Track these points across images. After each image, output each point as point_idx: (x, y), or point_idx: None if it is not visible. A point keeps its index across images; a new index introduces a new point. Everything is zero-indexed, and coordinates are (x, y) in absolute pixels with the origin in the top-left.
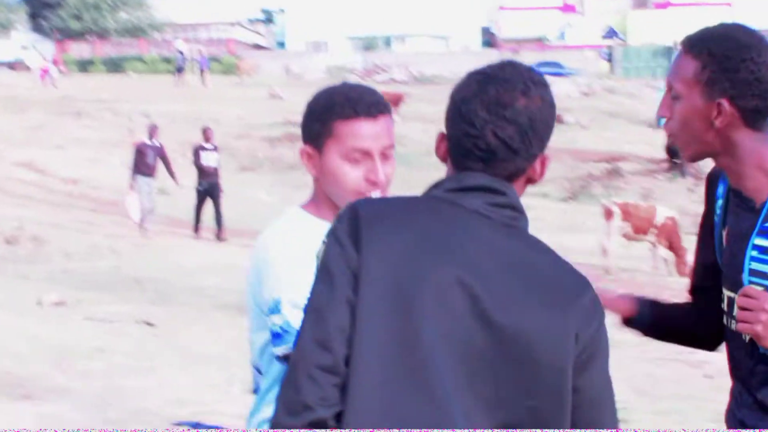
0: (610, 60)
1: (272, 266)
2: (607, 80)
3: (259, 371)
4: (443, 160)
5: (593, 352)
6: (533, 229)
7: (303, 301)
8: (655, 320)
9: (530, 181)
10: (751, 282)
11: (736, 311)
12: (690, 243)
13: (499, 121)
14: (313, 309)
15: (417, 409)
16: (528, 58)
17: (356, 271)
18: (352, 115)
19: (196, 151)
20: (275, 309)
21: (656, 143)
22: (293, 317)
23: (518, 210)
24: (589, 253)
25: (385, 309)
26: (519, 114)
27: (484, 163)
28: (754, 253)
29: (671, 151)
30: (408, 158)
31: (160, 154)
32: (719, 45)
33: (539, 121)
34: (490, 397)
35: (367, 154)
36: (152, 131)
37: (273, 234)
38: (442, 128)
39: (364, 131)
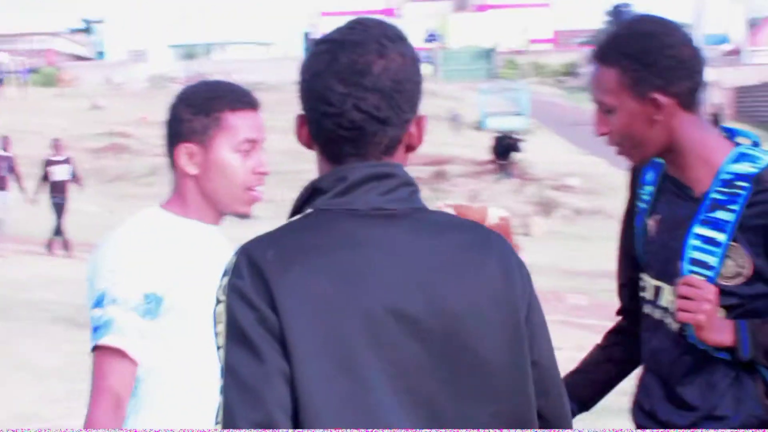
0: (431, 63)
1: (109, 259)
2: (429, 83)
3: None
4: (307, 146)
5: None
6: None
7: (131, 299)
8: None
9: (410, 148)
10: (691, 272)
11: (667, 300)
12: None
13: (359, 92)
14: (242, 387)
15: None
16: None
17: (279, 335)
18: (241, 106)
19: (47, 164)
20: (99, 302)
21: (480, 145)
22: (110, 315)
23: (411, 183)
24: None
25: (328, 377)
26: (379, 79)
27: (355, 143)
28: (696, 242)
29: (497, 153)
30: None
31: (11, 166)
32: (630, 45)
33: (405, 81)
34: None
35: (254, 145)
36: (5, 143)
37: (121, 229)
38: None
39: (252, 122)
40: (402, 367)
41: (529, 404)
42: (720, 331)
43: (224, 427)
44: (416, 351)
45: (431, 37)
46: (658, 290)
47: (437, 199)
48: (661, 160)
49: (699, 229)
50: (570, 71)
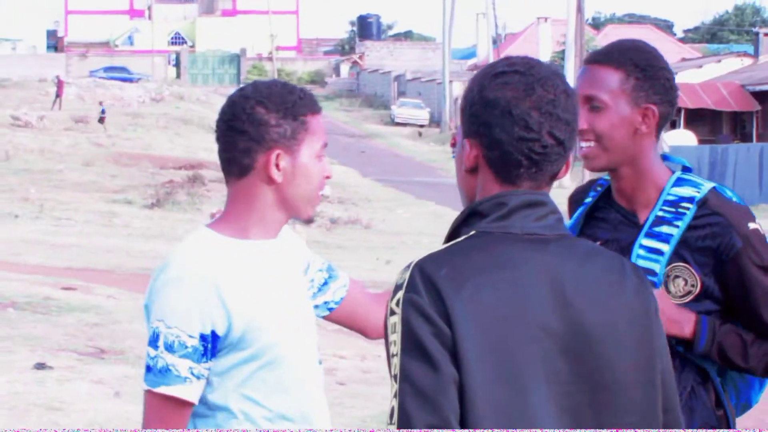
0: (177, 66)
1: (164, 296)
2: (176, 86)
3: None
4: (470, 168)
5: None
6: (121, 237)
7: (187, 344)
8: None
9: (556, 177)
10: None
11: None
12: None
13: (553, 121)
14: (419, 392)
15: None
16: (96, 62)
17: (452, 346)
18: (318, 109)
19: None
20: (153, 341)
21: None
22: (162, 360)
23: (557, 211)
24: None
25: (492, 382)
26: (565, 110)
27: (537, 167)
28: (641, 252)
29: None
30: None
31: None
32: (639, 56)
33: (576, 115)
34: None
35: (325, 148)
36: None
37: (177, 260)
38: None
39: (323, 125)
40: (553, 378)
41: (657, 420)
42: (681, 323)
43: (400, 429)
44: (563, 365)
45: (178, 39)
46: None
47: (194, 204)
48: (606, 180)
49: (644, 241)
50: (315, 79)
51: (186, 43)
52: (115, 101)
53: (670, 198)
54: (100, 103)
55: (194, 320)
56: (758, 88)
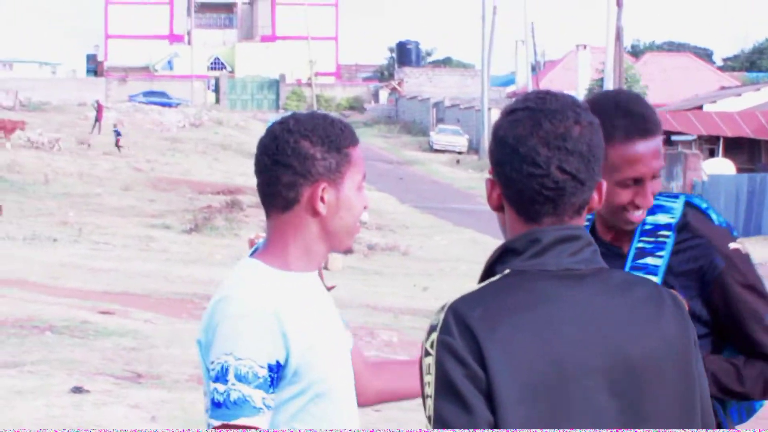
0: (216, 91)
1: (229, 329)
2: (215, 111)
3: None
4: (496, 208)
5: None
6: (159, 262)
7: (258, 374)
8: None
9: (589, 209)
10: None
11: None
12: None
13: (562, 155)
14: None
15: None
16: (135, 86)
17: (486, 389)
18: (357, 141)
19: None
20: (222, 377)
21: None
22: (236, 392)
23: (592, 244)
24: None
25: (529, 424)
26: (578, 143)
27: (554, 203)
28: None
29: None
30: (23, 186)
31: None
32: (655, 113)
33: (596, 147)
34: None
35: (364, 179)
36: None
37: (234, 292)
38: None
39: (362, 156)
40: (595, 415)
41: None
42: None
43: None
44: (605, 400)
45: (217, 65)
46: None
47: (232, 229)
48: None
49: (635, 263)
50: (354, 105)
51: (225, 68)
52: (154, 126)
53: (647, 227)
54: (114, 126)
55: (262, 351)
56: None
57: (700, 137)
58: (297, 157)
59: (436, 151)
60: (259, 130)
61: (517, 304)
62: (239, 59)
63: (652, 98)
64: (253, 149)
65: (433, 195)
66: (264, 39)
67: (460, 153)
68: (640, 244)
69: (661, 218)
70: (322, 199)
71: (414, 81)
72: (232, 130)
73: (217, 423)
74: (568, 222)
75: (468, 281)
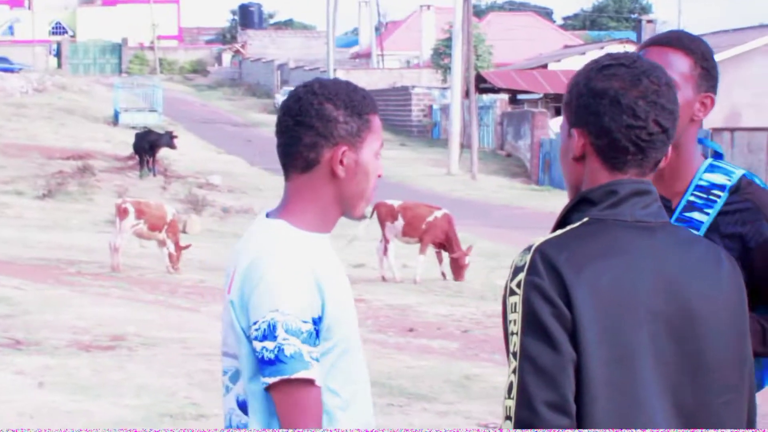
0: (58, 56)
1: (272, 287)
2: (57, 76)
3: (243, 410)
4: (577, 156)
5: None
6: (16, 228)
7: (305, 328)
8: None
9: (658, 165)
10: None
11: None
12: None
13: (657, 110)
14: (539, 370)
15: None
16: None
17: (571, 328)
18: (377, 109)
19: None
20: (269, 334)
21: (116, 140)
22: (290, 346)
23: (659, 200)
24: (87, 251)
25: (607, 363)
26: (669, 101)
27: (643, 154)
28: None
29: (137, 149)
30: None
31: None
32: (704, 46)
33: (677, 106)
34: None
35: (381, 147)
36: None
37: (267, 251)
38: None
39: (380, 125)
40: (660, 359)
41: (747, 398)
42: None
43: (519, 404)
44: (669, 346)
45: (59, 29)
46: None
47: (85, 194)
48: None
49: (681, 217)
50: (197, 68)
51: (67, 32)
52: None
53: (702, 183)
54: None
55: (306, 305)
56: None
57: (546, 96)
58: (320, 119)
59: None
60: (103, 95)
61: (598, 250)
62: (81, 23)
63: (497, 58)
64: (98, 114)
65: None
66: (105, 3)
67: None
68: (692, 198)
69: (718, 178)
70: (341, 161)
71: (257, 43)
72: (76, 95)
73: (275, 379)
74: (647, 176)
75: None
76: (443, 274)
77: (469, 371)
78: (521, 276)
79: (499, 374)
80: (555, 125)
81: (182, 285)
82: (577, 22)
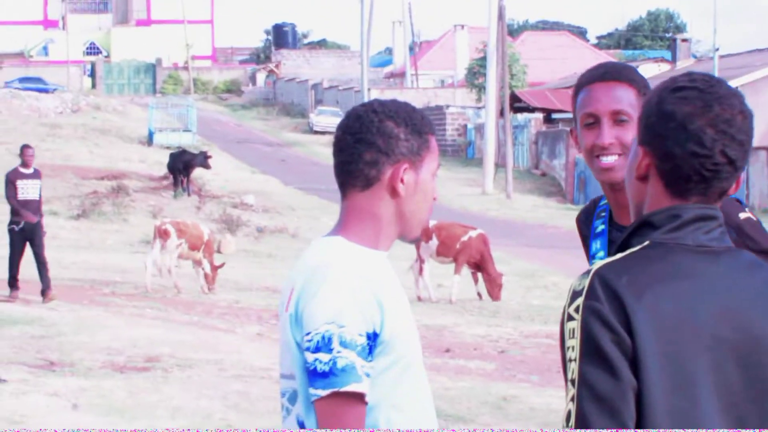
0: (92, 76)
1: (330, 301)
2: (92, 97)
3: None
4: (641, 177)
5: None
6: (51, 249)
7: (359, 342)
8: None
9: (726, 194)
10: None
11: None
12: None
13: (726, 140)
14: (599, 398)
15: None
16: (10, 73)
17: (632, 355)
18: (435, 130)
19: (12, 179)
20: (324, 346)
21: (150, 160)
22: (343, 359)
23: (723, 225)
24: (122, 271)
25: (668, 391)
26: (741, 131)
27: (706, 184)
28: None
29: (171, 169)
30: None
31: None
32: (641, 76)
33: (751, 136)
34: None
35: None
36: None
37: (326, 266)
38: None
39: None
40: (723, 388)
41: None
42: None
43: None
44: (733, 374)
45: (93, 50)
46: None
47: (119, 214)
48: (605, 205)
49: None
50: (231, 88)
51: (101, 53)
52: (31, 112)
53: None
54: None
55: (361, 319)
56: None
57: None
58: (381, 136)
59: (316, 132)
60: (138, 115)
61: (660, 274)
62: (115, 44)
63: (531, 77)
64: (132, 134)
65: (315, 177)
66: (139, 23)
67: None
68: None
69: None
70: (402, 179)
71: (291, 63)
72: (110, 114)
73: (326, 392)
74: (712, 203)
75: None
76: (479, 294)
77: (507, 392)
78: (579, 301)
79: (536, 395)
80: None
81: (217, 306)
82: (612, 41)
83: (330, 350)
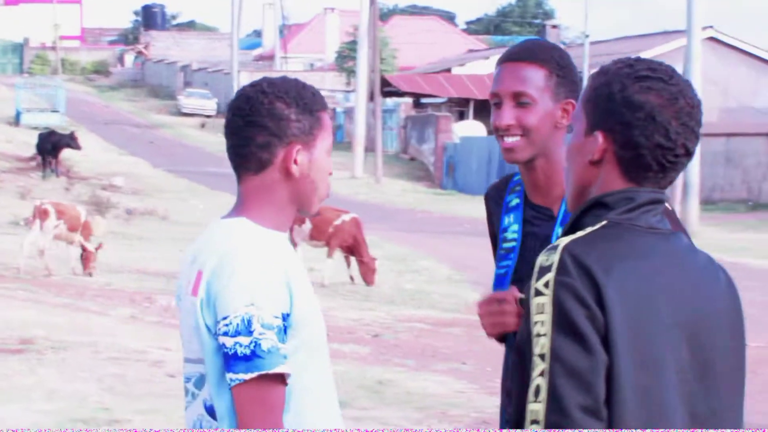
0: None
1: (245, 283)
2: None
3: (213, 415)
4: (597, 160)
5: None
6: None
7: (276, 323)
8: None
9: (670, 183)
10: None
11: None
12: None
13: (688, 133)
14: (574, 374)
15: None
16: None
17: (603, 330)
18: (327, 106)
19: None
20: (244, 329)
21: (17, 140)
22: (267, 341)
23: (664, 210)
24: (6, 253)
25: (636, 368)
26: (698, 124)
27: (663, 173)
28: None
29: (40, 150)
30: None
31: None
32: (558, 54)
33: (701, 128)
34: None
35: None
36: None
37: (239, 249)
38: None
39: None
40: (679, 365)
41: (742, 405)
42: None
43: (550, 408)
44: (685, 353)
45: None
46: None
47: None
48: (518, 181)
49: (560, 232)
50: (99, 69)
51: None
52: None
53: None
54: None
55: (278, 300)
56: None
57: (450, 99)
58: (272, 118)
59: (185, 114)
60: (5, 95)
61: (622, 252)
62: None
63: (401, 61)
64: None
65: (185, 159)
66: (8, 2)
67: (208, 116)
68: None
69: None
70: (295, 161)
71: (160, 44)
72: None
73: (250, 375)
74: (662, 189)
75: None
76: (351, 278)
77: (382, 376)
78: (549, 276)
79: (411, 380)
80: (459, 129)
81: (89, 288)
82: (481, 27)
83: (250, 332)
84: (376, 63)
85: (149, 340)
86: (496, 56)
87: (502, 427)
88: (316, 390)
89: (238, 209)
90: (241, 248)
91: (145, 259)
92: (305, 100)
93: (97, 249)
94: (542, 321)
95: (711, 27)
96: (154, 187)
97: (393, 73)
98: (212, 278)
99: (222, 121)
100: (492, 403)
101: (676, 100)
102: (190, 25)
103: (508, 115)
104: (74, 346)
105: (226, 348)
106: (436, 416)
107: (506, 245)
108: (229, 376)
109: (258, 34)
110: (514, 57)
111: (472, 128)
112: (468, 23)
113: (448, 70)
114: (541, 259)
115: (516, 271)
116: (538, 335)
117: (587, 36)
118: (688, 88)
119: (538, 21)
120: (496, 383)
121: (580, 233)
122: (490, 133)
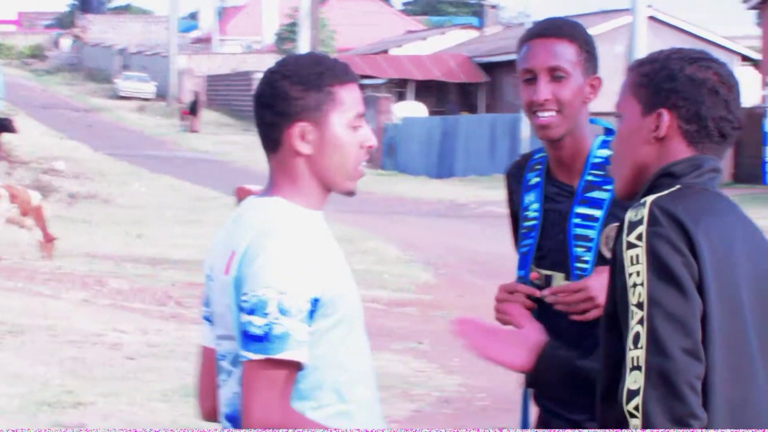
0: None
1: (272, 264)
2: None
3: None
4: (662, 135)
5: None
6: None
7: (302, 308)
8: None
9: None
10: (576, 246)
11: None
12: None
13: (740, 108)
14: (674, 318)
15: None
16: None
17: (698, 277)
18: (348, 79)
19: None
20: (259, 309)
21: None
22: (280, 326)
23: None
24: None
25: (724, 314)
26: (740, 99)
27: (725, 143)
28: (577, 221)
29: None
30: None
31: None
32: (583, 31)
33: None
34: None
35: (362, 119)
36: None
37: (271, 229)
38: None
39: (358, 95)
40: (757, 313)
41: None
42: None
43: (651, 352)
44: (757, 307)
45: None
46: (548, 279)
47: None
48: (542, 157)
49: (579, 209)
50: (35, 53)
51: None
52: None
53: (597, 161)
54: None
55: (305, 284)
56: (486, 59)
57: (390, 80)
58: (277, 98)
59: (123, 98)
60: None
61: (706, 207)
62: None
63: (340, 43)
64: None
65: (124, 142)
66: None
67: (147, 100)
68: (589, 177)
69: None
70: (303, 138)
71: (97, 28)
72: None
73: (258, 357)
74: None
75: (178, 227)
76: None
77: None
78: (641, 228)
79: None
80: (399, 110)
81: (39, 272)
82: (417, 8)
83: (265, 315)
84: (317, 45)
85: (104, 323)
86: (433, 37)
87: (524, 416)
88: (352, 367)
89: (271, 187)
90: (276, 227)
91: (92, 243)
92: (310, 77)
93: (52, 240)
94: (638, 271)
95: (650, 6)
96: (96, 170)
97: (332, 54)
98: (244, 257)
99: (160, 105)
100: (453, 382)
101: (729, 77)
102: (126, 9)
103: (545, 90)
104: (32, 329)
105: (242, 323)
106: (399, 396)
107: (527, 224)
108: (240, 351)
109: (193, 16)
110: (545, 33)
111: (412, 109)
112: (405, 4)
113: (386, 52)
114: (630, 215)
115: (539, 248)
116: (635, 285)
117: (528, 16)
118: (730, 69)
119: (474, 1)
120: (455, 362)
121: (662, 192)
122: (431, 113)
